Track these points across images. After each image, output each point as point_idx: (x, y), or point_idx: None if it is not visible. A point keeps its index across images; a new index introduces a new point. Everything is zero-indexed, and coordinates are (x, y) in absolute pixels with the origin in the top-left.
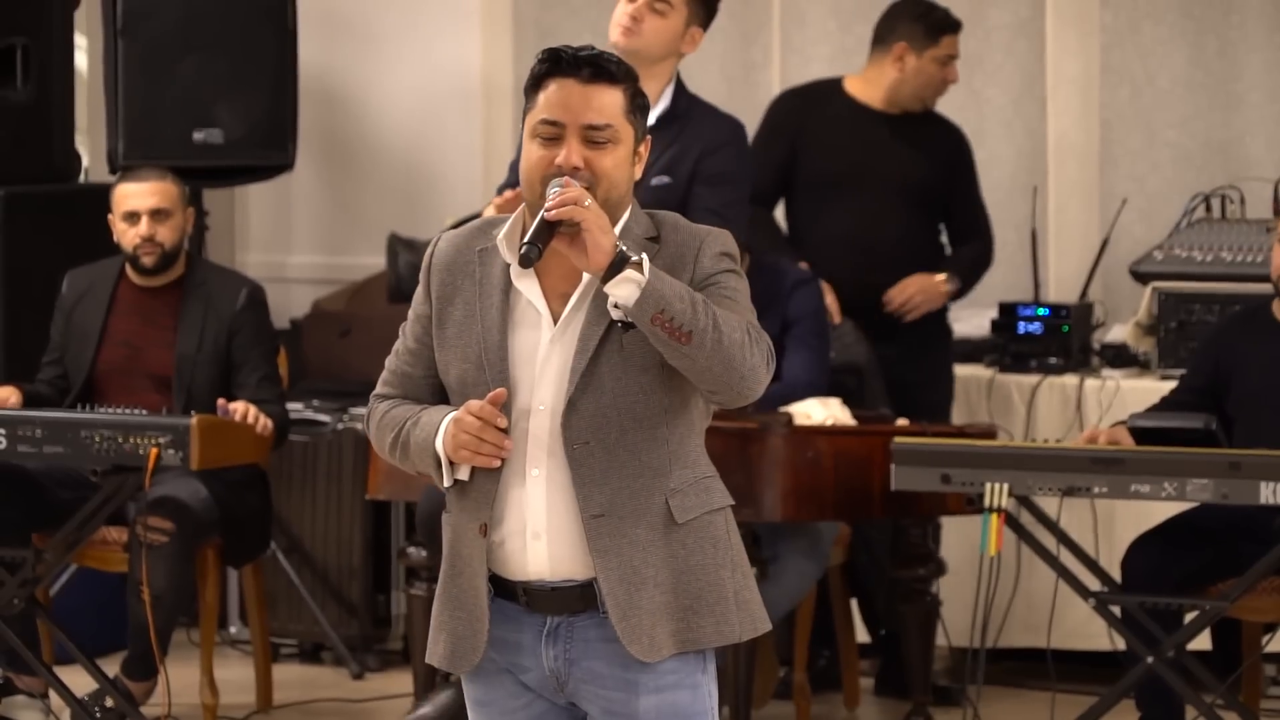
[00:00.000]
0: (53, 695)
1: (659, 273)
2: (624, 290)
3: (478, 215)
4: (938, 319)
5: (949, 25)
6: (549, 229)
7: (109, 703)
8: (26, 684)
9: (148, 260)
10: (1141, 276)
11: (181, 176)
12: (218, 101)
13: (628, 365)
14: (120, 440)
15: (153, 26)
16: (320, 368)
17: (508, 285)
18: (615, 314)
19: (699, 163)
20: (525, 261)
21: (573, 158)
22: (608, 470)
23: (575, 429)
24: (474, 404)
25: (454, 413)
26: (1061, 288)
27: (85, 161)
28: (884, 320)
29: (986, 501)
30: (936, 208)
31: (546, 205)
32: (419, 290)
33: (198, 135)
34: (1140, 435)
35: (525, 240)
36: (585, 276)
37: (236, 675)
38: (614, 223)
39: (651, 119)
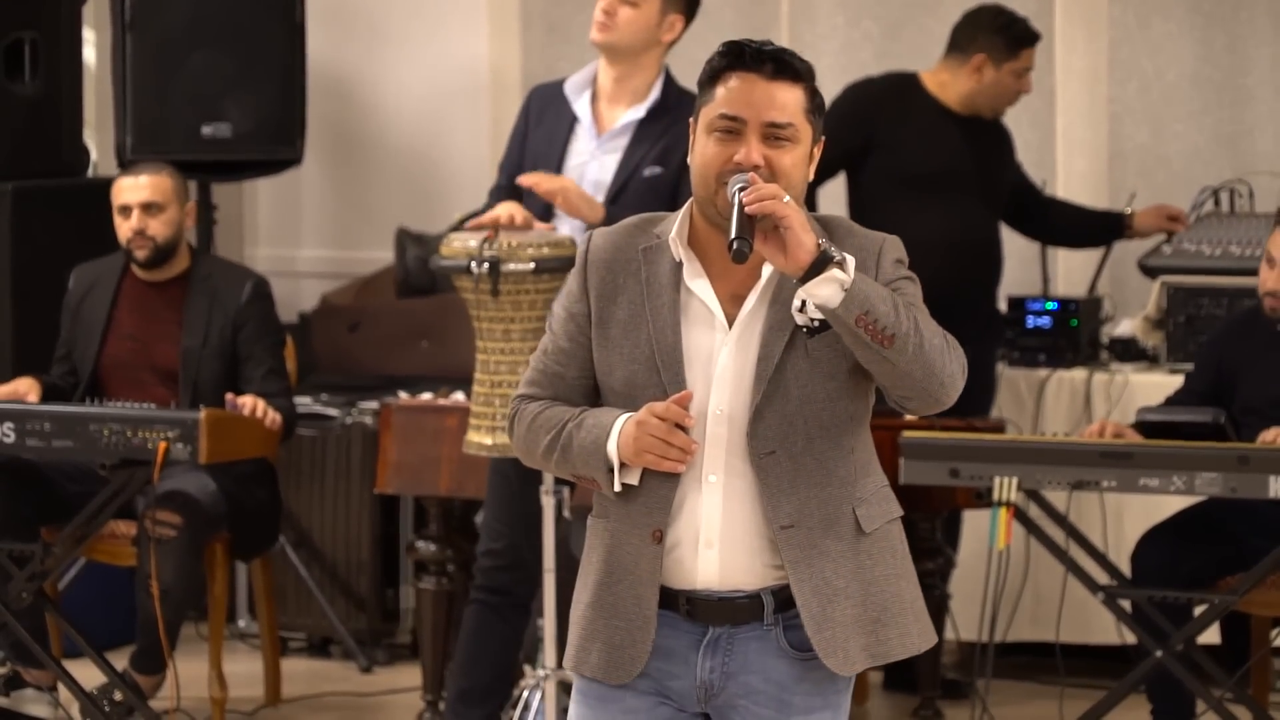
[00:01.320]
0: (61, 689)
1: (860, 272)
2: (826, 290)
3: (485, 209)
4: (999, 318)
5: (1029, 38)
6: (750, 224)
7: (117, 696)
8: (35, 677)
9: (139, 254)
10: (1150, 270)
11: (190, 171)
12: (226, 96)
13: (814, 372)
14: (129, 434)
15: (161, 21)
16: (329, 362)
17: (678, 284)
18: (800, 319)
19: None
20: (739, 257)
21: (753, 155)
22: (795, 480)
23: (761, 437)
24: (659, 405)
25: (629, 414)
26: (1070, 281)
27: (93, 156)
28: (966, 322)
29: (995, 495)
30: (1001, 206)
31: (745, 198)
32: (572, 287)
33: (206, 130)
34: (1149, 430)
35: (735, 235)
36: (762, 278)
37: (245, 669)
38: None
39: (642, 111)
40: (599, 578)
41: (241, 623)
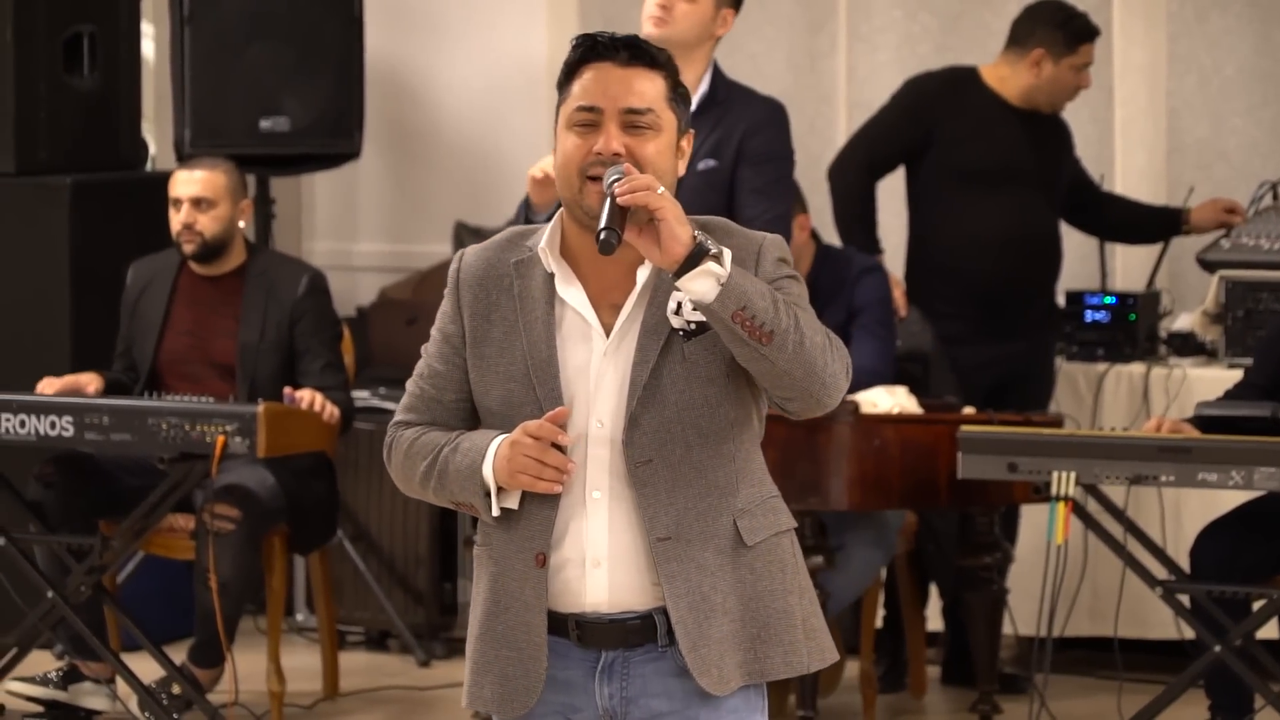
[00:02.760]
0: (119, 682)
1: (738, 267)
2: (702, 285)
3: (518, 214)
4: (1057, 312)
5: (1088, 33)
6: (621, 215)
7: (176, 690)
8: (93, 670)
9: (187, 248)
10: (1209, 265)
11: (248, 165)
12: (284, 90)
13: (691, 376)
14: (187, 428)
15: (219, 14)
16: (386, 355)
17: (551, 296)
18: (676, 321)
19: (742, 144)
20: (605, 248)
21: (612, 143)
22: (673, 490)
23: (638, 446)
24: (532, 424)
25: (504, 435)
26: (1128, 276)
27: (152, 150)
28: (1024, 316)
29: (1054, 490)
30: (1060, 201)
31: (616, 189)
32: (446, 308)
33: (264, 123)
34: (1208, 424)
35: (602, 225)
36: (639, 283)
37: (303, 663)
38: None
39: (692, 105)
40: (486, 608)
41: (299, 616)
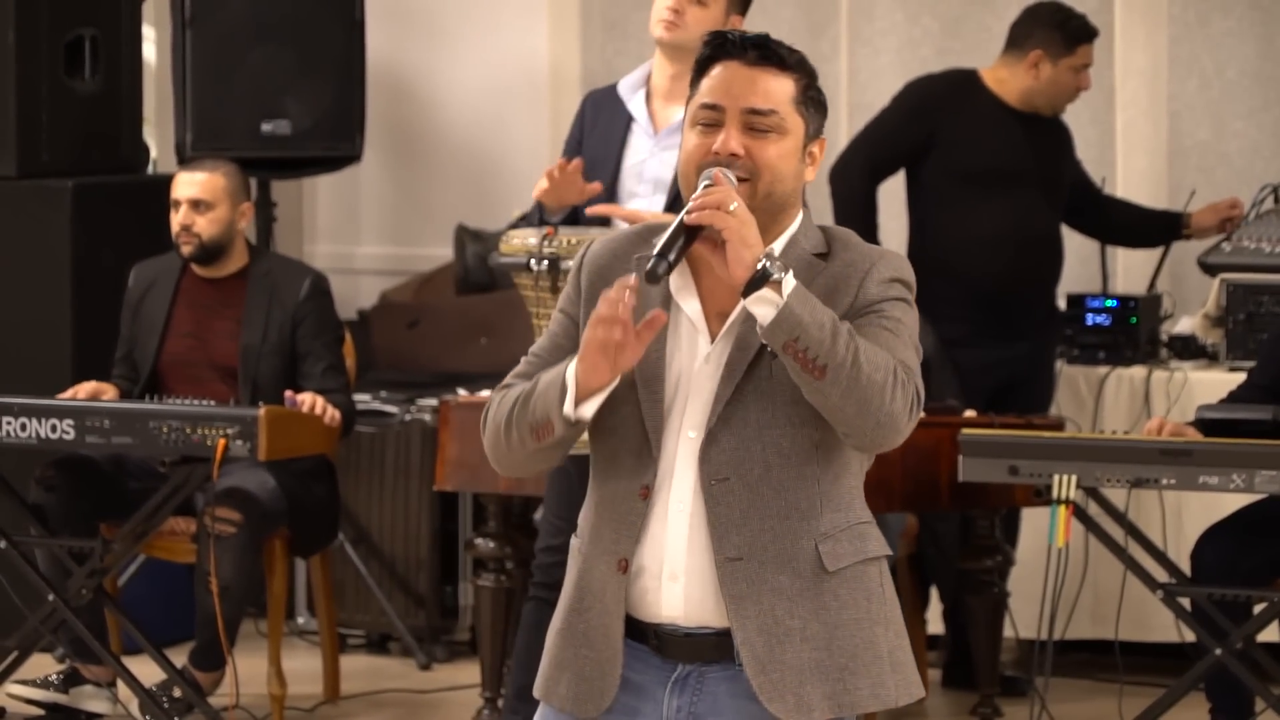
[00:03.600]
0: (120, 685)
1: (804, 295)
2: (762, 310)
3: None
4: (1058, 315)
5: (1086, 34)
6: (687, 235)
7: (177, 693)
8: (94, 673)
9: (184, 249)
10: (1210, 268)
11: (249, 168)
12: (286, 93)
13: (776, 395)
14: (188, 431)
15: (221, 18)
16: (388, 359)
17: (668, 298)
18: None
19: None
20: (651, 277)
21: (731, 143)
22: (749, 510)
23: (714, 463)
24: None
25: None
26: (1129, 279)
27: (153, 153)
28: (1026, 318)
29: (1055, 493)
30: (1062, 203)
31: (687, 207)
32: (568, 290)
33: (266, 127)
34: (1209, 427)
35: (656, 251)
36: None
37: (304, 666)
38: (777, 227)
39: None
40: (570, 604)
41: (300, 619)
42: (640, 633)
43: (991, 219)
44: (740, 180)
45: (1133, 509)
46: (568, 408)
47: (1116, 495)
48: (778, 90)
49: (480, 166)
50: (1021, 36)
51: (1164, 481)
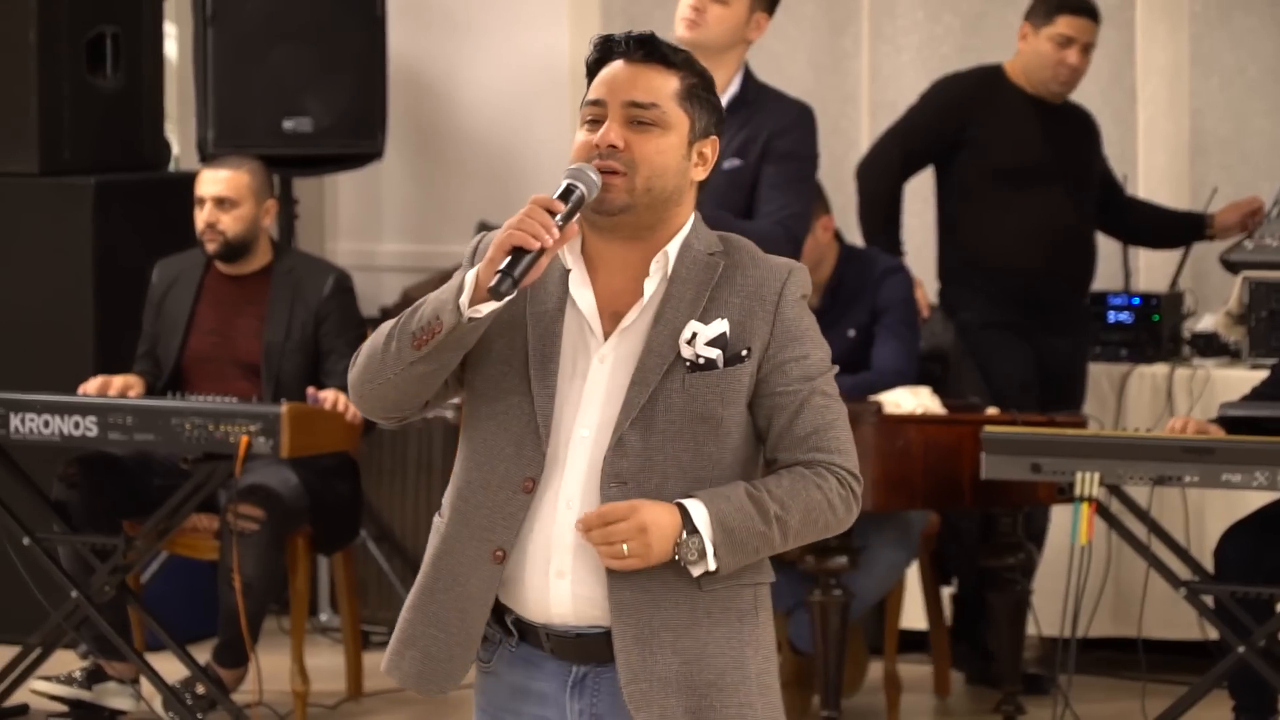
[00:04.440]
0: (144, 682)
1: (730, 543)
2: (697, 569)
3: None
4: (1089, 312)
5: (1068, 5)
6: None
7: (200, 690)
8: (117, 670)
9: (209, 247)
10: (1232, 265)
11: (271, 165)
12: (307, 90)
13: (686, 409)
14: (211, 428)
15: (242, 15)
16: None
17: (564, 292)
18: (686, 350)
19: (768, 144)
20: (495, 294)
21: (610, 134)
22: None
23: (615, 466)
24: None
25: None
26: (1152, 277)
27: (175, 150)
28: (1059, 315)
29: (1077, 491)
30: (1093, 196)
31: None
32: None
33: (287, 124)
34: (1231, 425)
35: (500, 268)
36: (645, 294)
37: (327, 663)
38: (666, 228)
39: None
40: (425, 582)
41: (323, 616)
42: (532, 636)
43: (1023, 215)
44: (616, 174)
45: (1155, 506)
46: (463, 300)
47: (1139, 493)
48: (660, 85)
49: (501, 163)
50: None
51: (1187, 479)
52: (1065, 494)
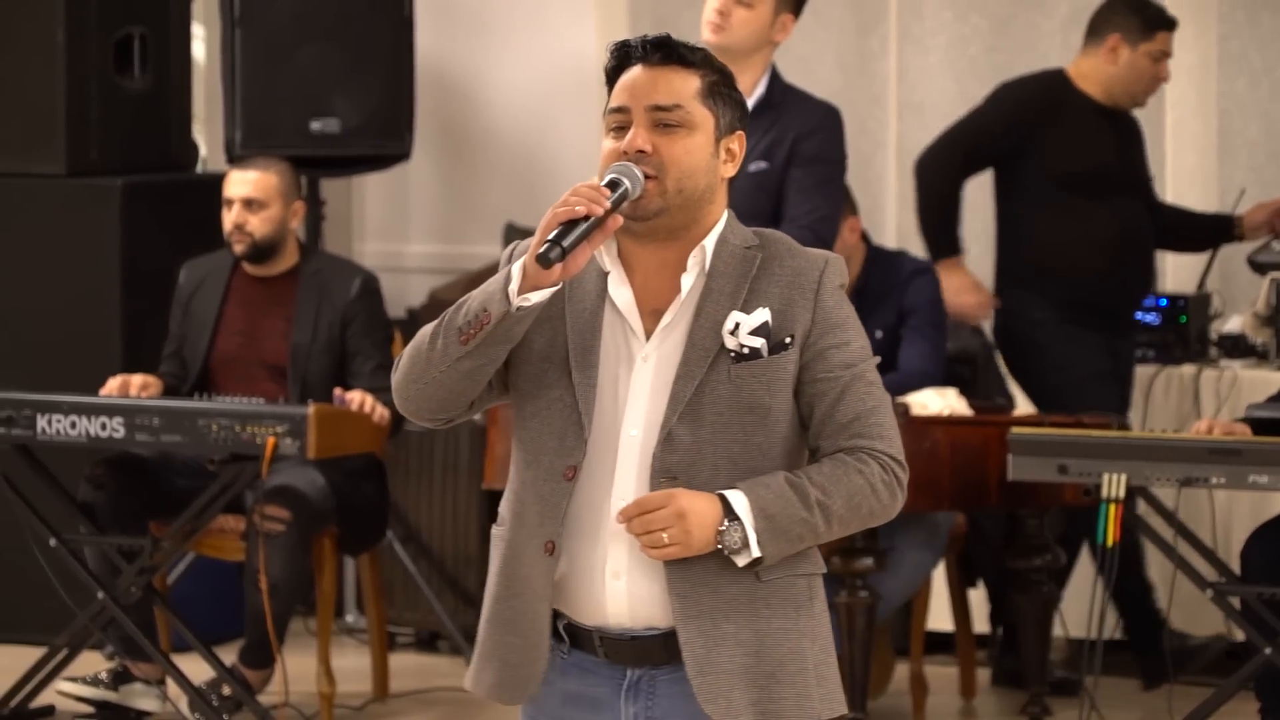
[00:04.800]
0: (170, 683)
1: (773, 531)
2: (741, 559)
3: None
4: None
5: (1165, 21)
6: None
7: (226, 691)
8: (144, 671)
9: (237, 248)
10: (1260, 266)
11: (298, 166)
12: (335, 91)
13: (733, 400)
14: (237, 429)
15: (270, 16)
16: None
17: (603, 292)
18: (730, 341)
19: (794, 146)
20: (544, 260)
21: (637, 140)
22: None
23: (665, 462)
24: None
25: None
26: (1179, 278)
27: (202, 151)
28: (1128, 319)
29: (1104, 492)
30: (1150, 199)
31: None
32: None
33: (315, 125)
34: (1258, 426)
35: (550, 237)
36: (683, 291)
37: (353, 664)
38: (700, 226)
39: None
40: (496, 591)
41: (349, 618)
42: (584, 640)
43: (1095, 221)
44: (648, 179)
45: (1182, 508)
46: (512, 288)
47: (1166, 494)
48: (681, 86)
49: (529, 164)
50: (1100, 24)
51: (1213, 481)
52: (1091, 495)
